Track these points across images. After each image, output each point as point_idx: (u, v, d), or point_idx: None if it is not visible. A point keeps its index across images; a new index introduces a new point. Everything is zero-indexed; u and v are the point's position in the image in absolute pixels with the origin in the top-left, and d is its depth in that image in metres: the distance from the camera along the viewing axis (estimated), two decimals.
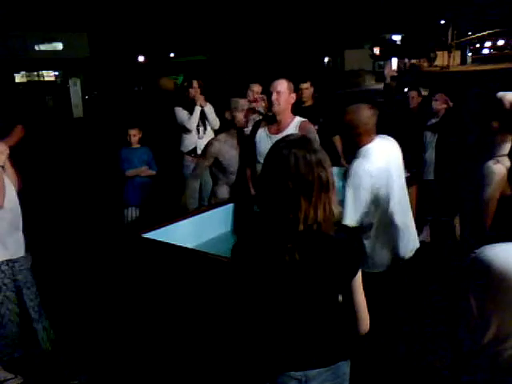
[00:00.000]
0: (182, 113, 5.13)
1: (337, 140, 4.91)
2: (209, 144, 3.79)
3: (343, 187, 2.76)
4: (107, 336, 3.64)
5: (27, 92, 21.77)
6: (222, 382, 2.79)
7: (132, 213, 4.88)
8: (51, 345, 3.34)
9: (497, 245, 1.46)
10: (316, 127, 4.03)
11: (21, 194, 3.22)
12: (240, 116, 3.76)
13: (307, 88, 5.08)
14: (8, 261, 3.07)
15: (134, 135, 4.83)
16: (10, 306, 3.10)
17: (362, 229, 2.81)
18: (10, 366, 3.20)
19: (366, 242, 2.84)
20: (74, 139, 13.01)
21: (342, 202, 2.76)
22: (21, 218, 3.18)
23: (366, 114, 2.80)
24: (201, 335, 2.82)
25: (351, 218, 2.72)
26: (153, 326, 3.10)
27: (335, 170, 3.14)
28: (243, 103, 3.86)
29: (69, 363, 3.35)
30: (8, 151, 3.07)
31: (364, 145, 2.80)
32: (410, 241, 2.94)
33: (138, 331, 3.29)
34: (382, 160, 2.79)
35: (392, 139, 3.02)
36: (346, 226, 2.58)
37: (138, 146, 4.90)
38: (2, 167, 3.04)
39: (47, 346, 3.32)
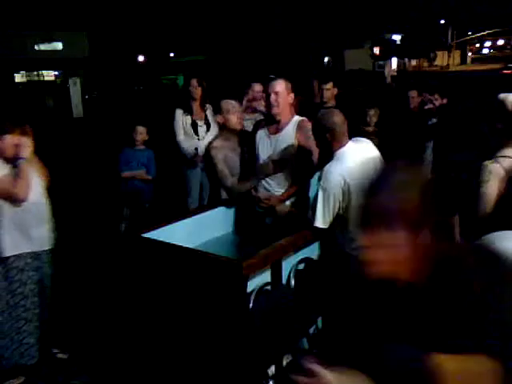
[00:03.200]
0: (177, 117, 5.07)
1: None
2: (213, 156, 3.68)
3: (317, 190, 2.85)
4: (107, 336, 3.64)
5: (27, 92, 21.77)
6: (222, 381, 2.79)
7: (126, 214, 4.89)
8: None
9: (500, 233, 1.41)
10: None
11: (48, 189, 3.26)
12: (234, 118, 3.75)
13: (329, 89, 4.99)
14: (33, 253, 3.09)
15: (141, 133, 4.84)
16: (35, 299, 3.13)
17: (351, 233, 2.80)
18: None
19: (356, 247, 2.82)
20: (73, 139, 13.01)
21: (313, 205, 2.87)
22: (47, 212, 3.21)
23: (338, 119, 2.88)
24: (200, 335, 2.82)
25: (321, 221, 2.83)
26: (153, 326, 3.10)
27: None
28: (235, 105, 3.83)
29: (69, 363, 3.35)
30: (32, 145, 3.10)
31: (337, 149, 2.87)
32: None
33: (138, 331, 3.29)
34: (356, 162, 2.81)
35: (366, 141, 3.06)
36: None
37: (142, 147, 4.89)
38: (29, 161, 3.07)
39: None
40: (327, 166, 2.85)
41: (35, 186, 3.08)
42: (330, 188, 2.78)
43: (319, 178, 2.88)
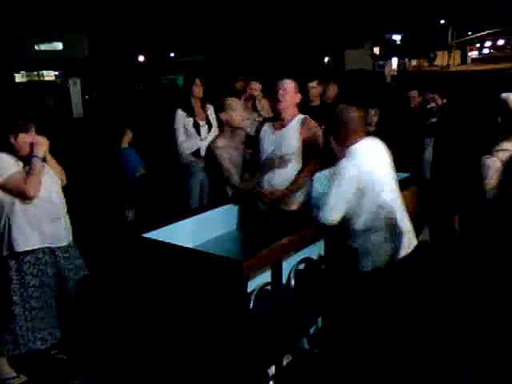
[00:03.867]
0: (178, 117, 4.99)
1: None
2: (219, 156, 3.72)
3: (328, 185, 2.86)
4: (108, 336, 3.64)
5: (27, 92, 21.75)
6: (222, 381, 2.79)
7: (134, 213, 4.89)
8: None
9: None
10: (323, 127, 4.04)
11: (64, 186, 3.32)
12: (237, 116, 3.76)
13: (314, 87, 5.09)
14: (45, 249, 3.12)
15: (130, 134, 4.88)
16: (46, 289, 3.17)
17: (358, 228, 2.86)
18: (13, 365, 3.20)
19: (362, 242, 2.88)
20: (74, 139, 13.00)
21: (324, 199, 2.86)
22: (62, 208, 3.24)
23: (354, 115, 2.92)
24: (200, 335, 2.82)
25: (331, 216, 2.83)
26: (153, 326, 3.10)
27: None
28: (238, 102, 3.87)
29: (70, 363, 3.35)
30: (48, 143, 3.13)
31: (351, 144, 2.89)
32: (406, 238, 2.97)
33: (138, 331, 3.29)
34: (369, 160, 2.88)
35: (379, 140, 3.10)
36: None
37: (128, 146, 4.92)
38: (44, 159, 3.10)
39: None
40: (342, 161, 2.86)
41: (49, 184, 3.12)
42: (344, 184, 2.80)
43: (331, 174, 2.90)
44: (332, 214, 2.81)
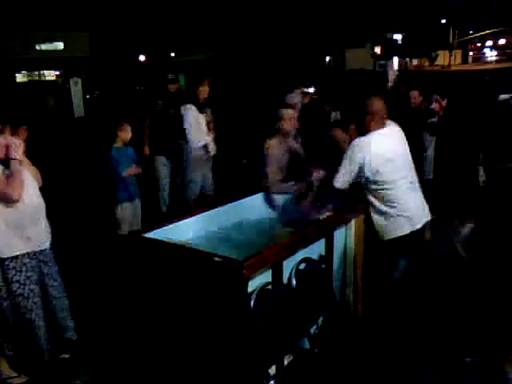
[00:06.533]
0: (193, 112, 5.34)
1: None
2: (267, 152, 4.10)
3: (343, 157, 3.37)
4: (108, 336, 3.65)
5: (28, 92, 21.76)
6: (223, 381, 2.79)
7: (124, 208, 4.89)
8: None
9: None
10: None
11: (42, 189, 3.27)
12: (286, 124, 4.13)
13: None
14: (30, 253, 3.07)
15: (129, 131, 4.83)
16: (36, 299, 3.09)
17: (376, 203, 3.32)
18: (14, 364, 3.20)
19: (379, 215, 3.32)
20: (75, 139, 13.02)
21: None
22: (43, 212, 3.19)
23: (380, 104, 3.31)
24: (202, 334, 2.82)
25: (339, 182, 3.37)
26: (154, 326, 3.10)
27: None
28: (289, 112, 4.21)
29: (71, 363, 3.35)
30: (23, 145, 3.05)
31: (372, 130, 3.30)
32: (420, 213, 3.40)
33: (138, 331, 3.29)
34: (382, 144, 3.28)
35: (398, 129, 3.51)
36: None
37: (125, 145, 4.84)
38: (20, 162, 3.02)
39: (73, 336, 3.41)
40: (359, 139, 3.32)
41: (29, 187, 3.06)
42: (351, 157, 3.27)
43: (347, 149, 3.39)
44: (339, 180, 3.34)
